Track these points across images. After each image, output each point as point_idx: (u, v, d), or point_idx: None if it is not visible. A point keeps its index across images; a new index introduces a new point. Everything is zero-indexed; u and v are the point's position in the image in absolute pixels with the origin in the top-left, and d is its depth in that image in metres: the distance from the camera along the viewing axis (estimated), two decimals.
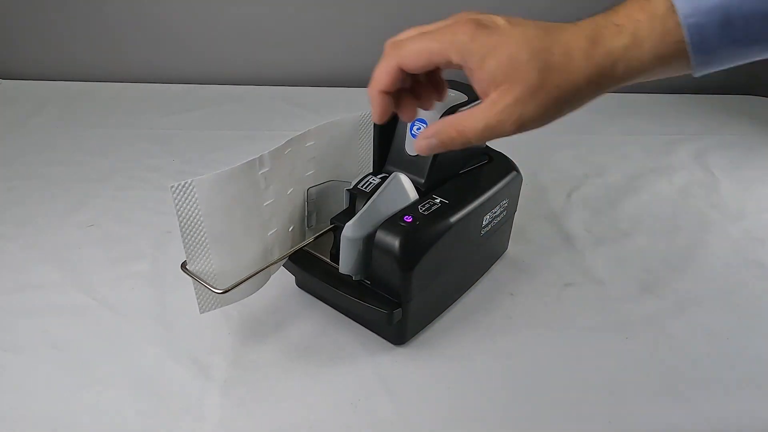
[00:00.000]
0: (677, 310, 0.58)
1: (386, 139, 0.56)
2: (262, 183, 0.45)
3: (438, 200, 0.51)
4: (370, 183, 0.52)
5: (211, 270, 0.44)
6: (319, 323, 0.55)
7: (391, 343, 0.53)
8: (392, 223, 0.48)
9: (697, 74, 0.37)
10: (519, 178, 0.59)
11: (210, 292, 0.44)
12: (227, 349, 0.52)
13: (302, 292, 0.58)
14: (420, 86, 0.42)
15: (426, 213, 0.49)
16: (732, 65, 0.37)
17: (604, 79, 0.37)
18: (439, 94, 0.42)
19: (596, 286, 0.61)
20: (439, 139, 0.40)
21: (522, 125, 0.38)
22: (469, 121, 0.39)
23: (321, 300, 0.57)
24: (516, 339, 0.54)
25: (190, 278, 0.45)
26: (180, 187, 0.40)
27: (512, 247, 0.65)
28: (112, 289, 0.58)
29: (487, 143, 0.59)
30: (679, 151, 0.90)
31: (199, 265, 0.44)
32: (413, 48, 0.38)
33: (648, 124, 1.00)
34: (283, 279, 0.57)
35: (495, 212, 0.56)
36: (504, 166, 0.58)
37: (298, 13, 1.04)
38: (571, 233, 0.70)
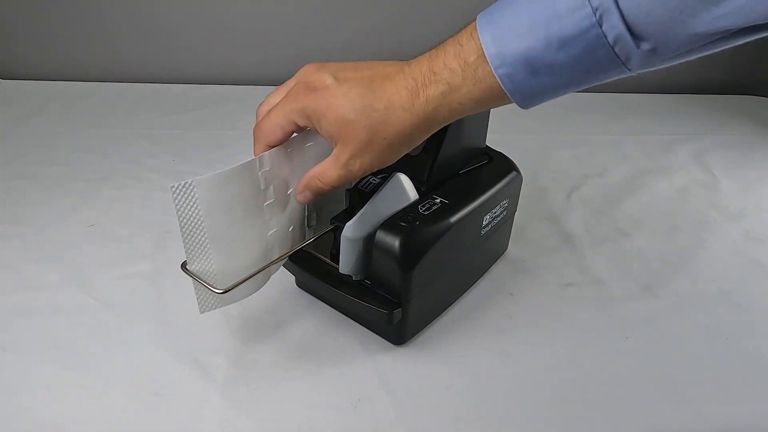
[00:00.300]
0: (677, 310, 0.58)
1: None
2: (263, 183, 0.45)
3: (438, 200, 0.51)
4: (370, 183, 0.52)
5: (211, 270, 0.44)
6: (319, 323, 0.55)
7: (391, 343, 0.53)
8: (392, 223, 0.48)
9: (526, 109, 0.40)
10: (519, 178, 0.59)
11: (210, 291, 0.44)
12: (227, 349, 0.52)
13: (302, 292, 0.58)
14: None
15: (426, 213, 0.49)
16: (553, 99, 0.39)
17: (429, 123, 0.41)
18: None
19: (596, 286, 0.61)
20: (311, 191, 0.46)
21: (365, 171, 0.43)
22: (327, 174, 0.44)
23: (321, 300, 0.57)
24: (516, 339, 0.54)
25: (190, 278, 0.45)
26: (180, 187, 0.40)
27: (512, 247, 0.65)
28: (112, 289, 0.58)
29: (487, 143, 0.59)
30: (679, 151, 0.90)
31: (199, 265, 0.44)
32: (268, 127, 0.44)
33: (648, 124, 1.00)
34: (283, 279, 0.57)
35: (495, 212, 0.56)
36: (504, 166, 0.58)
37: (297, 13, 1.04)
38: (571, 233, 0.70)
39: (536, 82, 0.37)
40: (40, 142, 0.85)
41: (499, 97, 0.38)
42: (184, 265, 0.46)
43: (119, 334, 0.53)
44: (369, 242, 0.48)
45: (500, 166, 0.58)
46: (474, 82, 0.38)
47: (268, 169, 0.45)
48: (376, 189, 0.51)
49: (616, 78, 0.37)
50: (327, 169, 0.44)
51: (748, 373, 0.51)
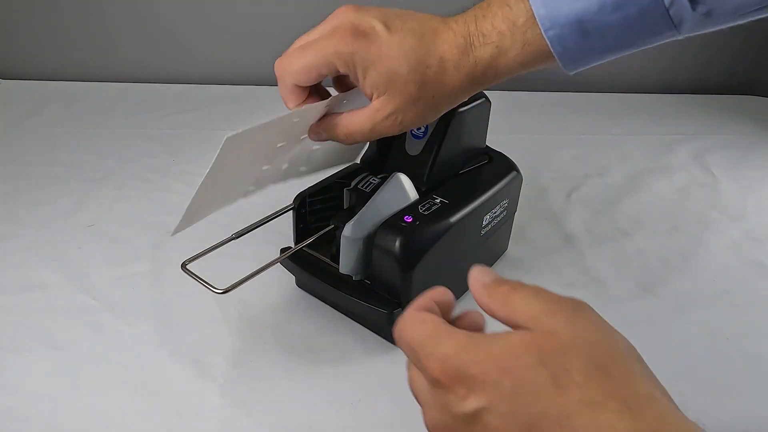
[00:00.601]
0: (677, 310, 0.58)
1: (386, 139, 0.56)
2: (284, 135, 0.42)
3: (438, 200, 0.51)
4: (370, 183, 0.52)
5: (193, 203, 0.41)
6: (319, 323, 0.55)
7: (391, 343, 0.53)
8: (392, 223, 0.48)
9: (570, 73, 0.40)
10: (519, 178, 0.59)
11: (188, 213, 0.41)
12: (227, 349, 0.52)
13: (302, 292, 0.58)
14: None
15: (426, 213, 0.49)
16: (598, 63, 0.40)
17: (475, 84, 0.41)
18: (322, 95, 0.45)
19: (596, 286, 0.61)
20: (328, 134, 0.43)
21: (403, 128, 0.41)
22: (356, 125, 0.41)
23: (321, 300, 0.57)
24: None
25: (190, 278, 0.45)
26: (233, 137, 0.38)
27: (512, 247, 0.65)
28: (112, 289, 0.58)
29: (487, 143, 0.59)
30: (679, 151, 0.90)
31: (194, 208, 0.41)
32: (299, 65, 0.40)
33: (648, 124, 1.00)
34: (283, 279, 0.57)
35: (495, 212, 0.56)
36: (504, 166, 0.58)
37: (298, 13, 1.04)
38: (571, 233, 0.70)
39: (586, 44, 0.37)
40: (40, 142, 0.85)
41: (545, 60, 0.39)
42: (184, 265, 0.46)
43: (119, 334, 0.53)
44: (369, 242, 0.48)
45: (500, 166, 0.58)
46: (523, 44, 0.38)
47: (297, 120, 0.42)
48: (376, 189, 0.51)
49: (662, 42, 0.38)
50: (359, 122, 0.41)
51: (748, 373, 0.51)
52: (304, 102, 0.43)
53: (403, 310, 0.49)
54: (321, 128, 0.43)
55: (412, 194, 0.51)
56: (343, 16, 0.40)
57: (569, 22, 0.37)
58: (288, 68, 0.41)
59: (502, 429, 0.26)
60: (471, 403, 0.26)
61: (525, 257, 0.65)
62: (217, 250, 0.49)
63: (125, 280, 0.59)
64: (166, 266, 0.61)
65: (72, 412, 0.46)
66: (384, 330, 0.53)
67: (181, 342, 0.52)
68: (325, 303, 0.57)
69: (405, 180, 0.51)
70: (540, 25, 0.37)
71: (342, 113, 0.42)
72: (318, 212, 0.55)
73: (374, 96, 0.40)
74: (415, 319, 0.30)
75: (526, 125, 0.94)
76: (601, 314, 0.60)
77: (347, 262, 0.49)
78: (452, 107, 0.42)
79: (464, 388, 0.27)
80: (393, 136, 0.55)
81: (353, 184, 0.52)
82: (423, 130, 0.53)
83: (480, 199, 0.53)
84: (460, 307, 0.58)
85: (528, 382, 0.26)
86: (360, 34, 0.39)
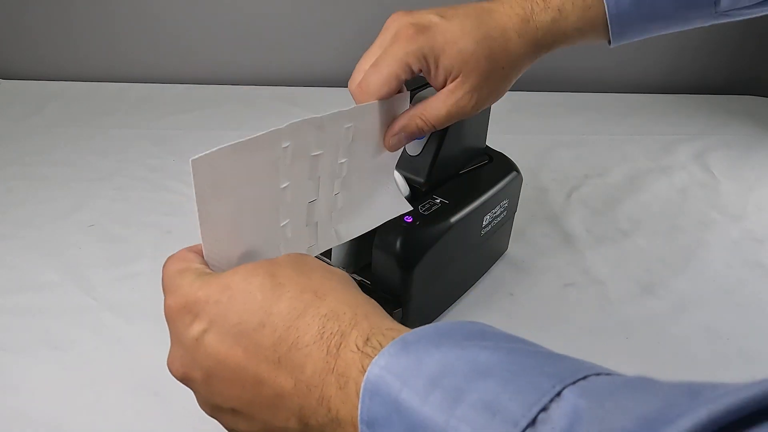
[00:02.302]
0: (677, 310, 0.58)
1: None
2: (283, 160, 0.36)
3: (438, 200, 0.51)
4: None
5: (219, 253, 0.35)
6: None
7: None
8: (392, 223, 0.48)
9: (612, 45, 0.43)
10: (519, 178, 0.59)
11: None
12: None
13: None
14: None
15: (426, 213, 0.49)
16: (640, 38, 0.43)
17: (537, 49, 0.43)
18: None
19: (596, 286, 0.61)
20: (407, 132, 0.43)
21: (479, 106, 0.43)
22: (432, 111, 0.42)
23: None
24: None
25: None
26: (199, 159, 0.31)
27: (512, 247, 0.65)
28: (112, 289, 0.58)
29: (487, 143, 0.59)
30: (679, 151, 0.90)
31: (214, 249, 0.35)
32: (378, 80, 0.41)
33: (648, 124, 1.00)
34: None
35: (495, 212, 0.56)
36: (504, 166, 0.58)
37: (297, 13, 1.04)
38: (571, 233, 0.70)
39: (637, 12, 0.41)
40: (40, 142, 0.85)
41: (598, 28, 0.42)
42: None
43: (119, 334, 0.53)
44: (360, 237, 0.48)
45: (500, 166, 0.58)
46: (583, 9, 0.41)
47: (290, 144, 0.36)
48: None
49: (697, 24, 0.42)
50: (435, 106, 0.42)
51: (748, 373, 0.51)
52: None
53: (403, 310, 0.49)
54: (398, 129, 0.43)
55: (404, 189, 0.51)
56: (398, 21, 0.42)
57: None
58: (368, 88, 0.41)
59: (219, 345, 0.28)
60: (195, 328, 0.29)
61: (525, 257, 0.65)
62: None
63: (125, 280, 0.59)
64: None
65: (72, 412, 0.46)
66: None
67: None
68: None
69: (397, 177, 0.51)
70: None
71: (410, 109, 0.43)
72: None
73: (448, 81, 0.42)
74: (176, 257, 0.33)
75: (526, 125, 0.94)
76: (601, 314, 0.61)
77: (338, 255, 0.49)
78: (519, 76, 0.44)
79: (190, 314, 0.30)
80: None
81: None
82: None
83: (480, 199, 0.53)
84: (460, 308, 0.58)
85: (243, 292, 0.29)
86: (422, 29, 0.40)
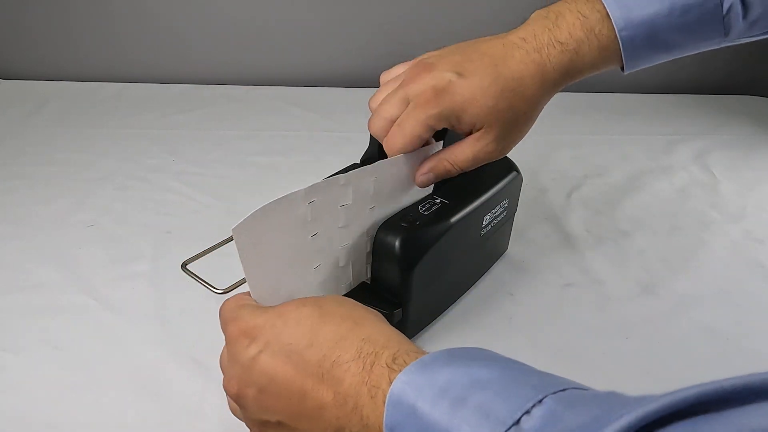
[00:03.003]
0: (677, 310, 0.58)
1: None
2: (309, 215, 0.41)
3: (438, 200, 0.51)
4: None
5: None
6: None
7: None
8: (392, 223, 0.48)
9: (626, 73, 0.46)
10: (519, 178, 0.59)
11: None
12: None
13: None
14: None
15: (426, 213, 0.49)
16: (652, 65, 0.45)
17: (553, 89, 0.45)
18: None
19: (596, 286, 0.61)
20: (435, 173, 0.47)
21: (506, 150, 0.47)
22: (460, 155, 0.46)
23: None
24: (516, 339, 0.54)
25: (190, 278, 0.45)
26: (239, 226, 0.36)
27: (512, 247, 0.65)
28: (112, 289, 0.58)
29: None
30: (679, 151, 0.90)
31: (261, 295, 0.40)
32: (403, 141, 0.44)
33: (648, 124, 1.00)
34: None
35: (495, 212, 0.56)
36: (504, 166, 0.58)
37: (298, 13, 1.04)
38: (571, 233, 0.70)
39: (650, 45, 0.43)
40: (39, 142, 0.85)
41: (612, 61, 0.44)
42: (184, 265, 0.46)
43: (119, 334, 0.53)
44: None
45: (500, 166, 0.58)
46: (598, 49, 0.43)
47: (315, 200, 0.40)
48: None
49: (706, 49, 0.44)
50: (462, 152, 0.46)
51: (748, 373, 0.51)
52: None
53: (403, 310, 0.49)
54: (427, 169, 0.47)
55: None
56: (422, 80, 0.44)
57: (642, 23, 0.42)
58: (394, 145, 0.45)
59: (272, 362, 0.34)
60: (252, 349, 0.35)
61: (525, 257, 0.65)
62: (217, 250, 0.49)
63: (125, 280, 0.59)
64: (166, 266, 0.61)
65: (72, 412, 0.46)
66: None
67: (181, 342, 0.52)
68: None
69: None
70: (615, 27, 0.42)
71: (440, 152, 0.47)
72: None
73: (473, 131, 0.45)
74: (233, 297, 0.39)
75: None
76: (601, 314, 0.61)
77: None
78: (539, 113, 0.47)
79: (248, 338, 0.35)
80: None
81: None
82: None
83: (480, 199, 0.53)
84: (460, 308, 0.58)
85: (294, 318, 0.35)
86: (440, 92, 0.43)
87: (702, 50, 0.45)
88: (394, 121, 0.45)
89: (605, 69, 0.45)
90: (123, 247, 0.64)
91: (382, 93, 0.47)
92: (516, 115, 0.44)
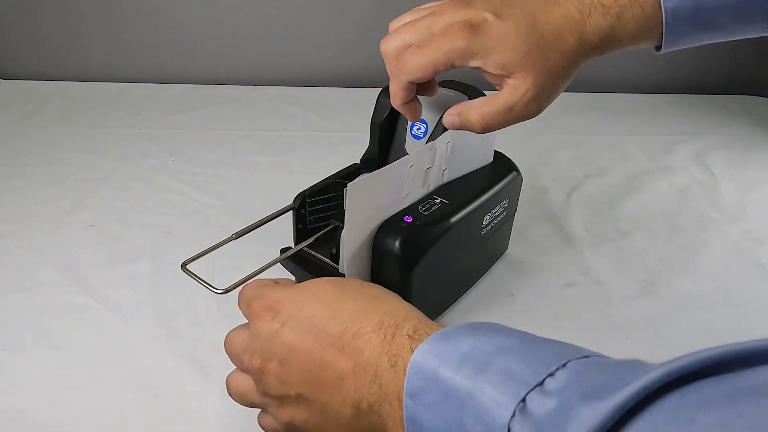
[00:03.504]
0: (677, 310, 0.58)
1: (386, 139, 0.56)
2: (407, 178, 0.48)
3: (438, 200, 0.51)
4: None
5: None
6: None
7: None
8: (392, 223, 0.48)
9: (662, 51, 0.44)
10: (519, 178, 0.59)
11: None
12: None
13: None
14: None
15: (426, 213, 0.49)
16: (688, 47, 0.44)
17: (590, 52, 0.42)
18: (432, 89, 0.47)
19: (596, 286, 0.61)
20: (461, 119, 0.44)
21: (539, 106, 0.43)
22: (490, 107, 0.42)
23: None
24: None
25: (190, 278, 0.45)
26: (354, 184, 0.42)
27: (512, 247, 0.65)
28: (112, 289, 0.58)
29: None
30: (679, 151, 0.90)
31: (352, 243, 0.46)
32: (418, 63, 0.41)
33: (648, 124, 1.00)
34: None
35: (495, 212, 0.56)
36: (504, 166, 0.58)
37: (297, 13, 1.04)
38: (571, 233, 0.70)
39: (693, 21, 0.42)
40: (40, 142, 0.85)
41: (652, 36, 0.42)
42: (184, 265, 0.46)
43: (119, 334, 0.53)
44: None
45: (500, 166, 0.58)
46: (642, 18, 0.41)
47: (413, 165, 0.47)
48: None
49: (746, 36, 0.43)
50: (493, 102, 0.42)
51: None
52: (411, 102, 0.45)
53: None
54: (455, 113, 0.44)
55: None
56: (454, 12, 0.41)
57: None
58: (405, 67, 0.42)
59: (293, 335, 0.34)
60: (275, 323, 0.35)
61: (525, 257, 0.65)
62: (217, 250, 0.49)
63: (125, 280, 0.59)
64: (166, 266, 0.61)
65: (72, 412, 0.46)
66: None
67: (181, 342, 0.52)
68: None
69: None
70: None
71: (473, 101, 0.43)
72: (318, 212, 0.55)
73: (503, 77, 0.41)
74: (254, 281, 0.41)
75: (526, 125, 0.93)
76: (601, 314, 0.61)
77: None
78: (572, 78, 0.44)
79: (271, 312, 0.36)
80: (392, 137, 0.56)
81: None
82: (423, 130, 0.53)
83: (480, 199, 0.53)
84: (460, 308, 0.58)
85: (316, 293, 0.36)
86: (474, 28, 0.40)
87: (743, 36, 0.43)
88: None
89: (643, 45, 0.43)
90: (123, 247, 0.64)
91: (406, 16, 0.44)
92: (552, 68, 0.41)
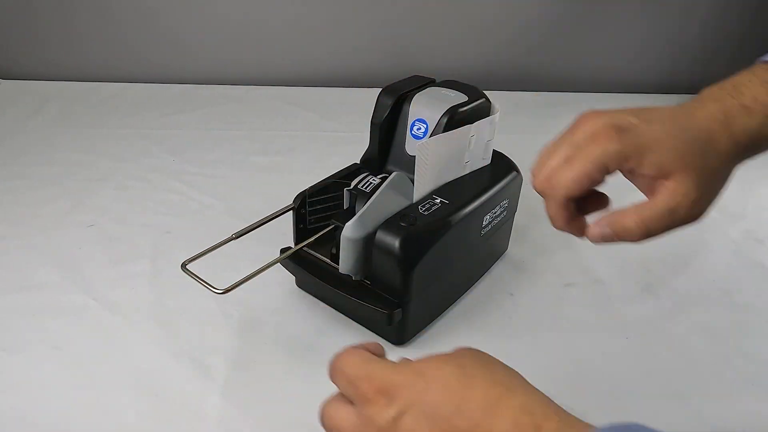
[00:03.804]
0: (677, 310, 0.58)
1: (386, 139, 0.56)
2: (468, 146, 0.54)
3: (438, 200, 0.51)
4: (370, 183, 0.52)
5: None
6: (319, 323, 0.55)
7: (391, 343, 0.53)
8: (392, 223, 0.48)
9: None
10: (519, 178, 0.59)
11: None
12: (227, 349, 0.52)
13: (302, 292, 0.58)
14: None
15: (426, 213, 0.49)
16: None
17: (743, 153, 0.41)
18: (603, 202, 0.44)
19: (596, 286, 0.61)
20: (613, 229, 0.41)
21: (701, 210, 0.41)
22: (648, 212, 0.40)
23: (321, 300, 0.57)
24: (516, 339, 0.54)
25: (190, 278, 0.45)
26: (424, 143, 0.49)
27: (512, 247, 0.65)
28: (112, 289, 0.58)
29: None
30: None
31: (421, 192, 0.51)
32: (571, 176, 0.39)
33: None
34: (283, 279, 0.57)
35: (495, 212, 0.56)
36: (504, 166, 0.58)
37: (297, 13, 1.04)
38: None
39: None
40: (39, 142, 0.85)
41: None
42: (184, 265, 0.46)
43: (119, 334, 0.53)
44: (369, 242, 0.48)
45: (500, 166, 0.58)
46: None
47: (474, 134, 0.53)
48: (376, 189, 0.51)
49: None
50: (651, 207, 0.40)
51: (748, 373, 0.51)
52: (576, 221, 0.44)
53: (403, 310, 0.49)
54: (605, 223, 0.41)
55: (408, 189, 0.51)
56: (594, 121, 0.40)
57: None
58: (558, 183, 0.40)
59: (415, 426, 0.31)
60: (391, 411, 0.31)
61: (525, 257, 0.65)
62: (217, 250, 0.49)
63: (125, 280, 0.59)
64: (166, 266, 0.61)
65: (72, 412, 0.46)
66: (384, 330, 0.53)
67: (181, 342, 0.52)
68: (325, 303, 0.56)
69: (405, 180, 0.51)
70: None
71: (623, 209, 0.41)
72: (318, 212, 0.55)
73: (659, 179, 0.39)
74: (351, 351, 0.35)
75: (526, 125, 0.94)
76: (601, 314, 0.61)
77: (347, 262, 0.49)
78: (728, 180, 0.42)
79: (386, 398, 0.32)
80: (392, 137, 0.55)
81: (353, 184, 0.52)
82: (423, 130, 0.53)
83: (480, 199, 0.53)
84: (460, 308, 0.58)
85: (437, 379, 0.32)
86: (623, 130, 0.38)
87: None
88: None
89: None
90: (123, 247, 0.64)
91: (549, 148, 0.42)
92: (710, 169, 0.39)
